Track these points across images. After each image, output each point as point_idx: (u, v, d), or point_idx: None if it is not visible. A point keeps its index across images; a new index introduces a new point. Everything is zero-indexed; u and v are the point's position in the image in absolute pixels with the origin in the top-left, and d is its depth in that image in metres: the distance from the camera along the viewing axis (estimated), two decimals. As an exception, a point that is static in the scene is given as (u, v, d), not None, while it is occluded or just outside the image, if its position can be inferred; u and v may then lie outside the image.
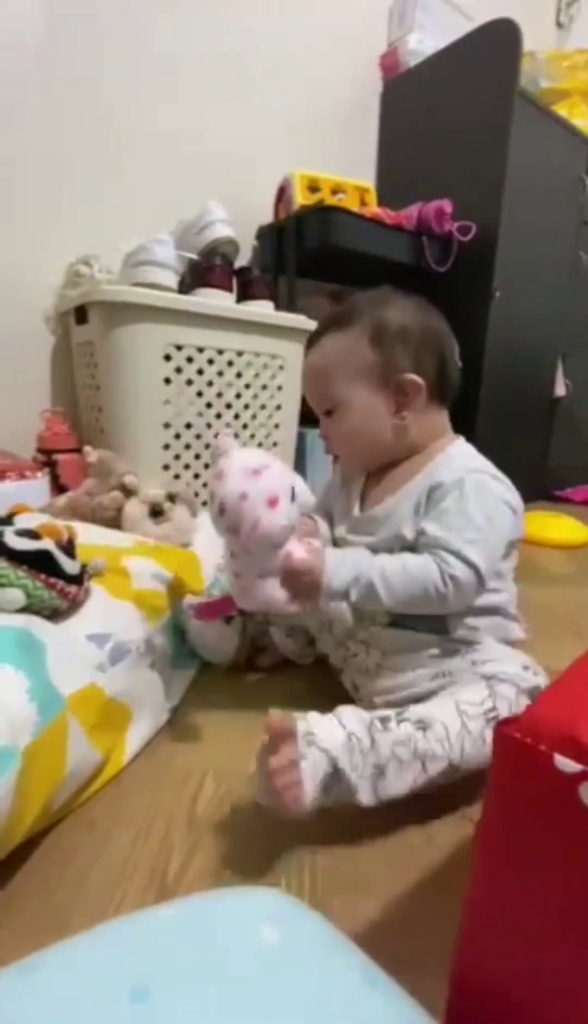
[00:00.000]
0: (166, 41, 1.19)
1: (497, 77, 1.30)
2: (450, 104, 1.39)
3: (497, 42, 1.30)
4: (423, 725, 0.44)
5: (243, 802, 0.48)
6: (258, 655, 0.70)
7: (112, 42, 1.13)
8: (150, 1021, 0.17)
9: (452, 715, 0.45)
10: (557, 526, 1.37)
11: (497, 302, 1.37)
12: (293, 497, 0.50)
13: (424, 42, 1.52)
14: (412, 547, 0.54)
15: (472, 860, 0.21)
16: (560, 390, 1.73)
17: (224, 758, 0.54)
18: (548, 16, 2.16)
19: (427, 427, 0.59)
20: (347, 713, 0.45)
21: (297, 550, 0.51)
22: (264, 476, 0.48)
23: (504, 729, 0.18)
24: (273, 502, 0.48)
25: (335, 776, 0.42)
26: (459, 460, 0.57)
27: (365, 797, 0.42)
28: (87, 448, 0.85)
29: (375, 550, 0.55)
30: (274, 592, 0.51)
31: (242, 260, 1.16)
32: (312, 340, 0.61)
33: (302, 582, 0.51)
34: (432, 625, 0.54)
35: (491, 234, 1.33)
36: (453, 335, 0.60)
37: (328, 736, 0.42)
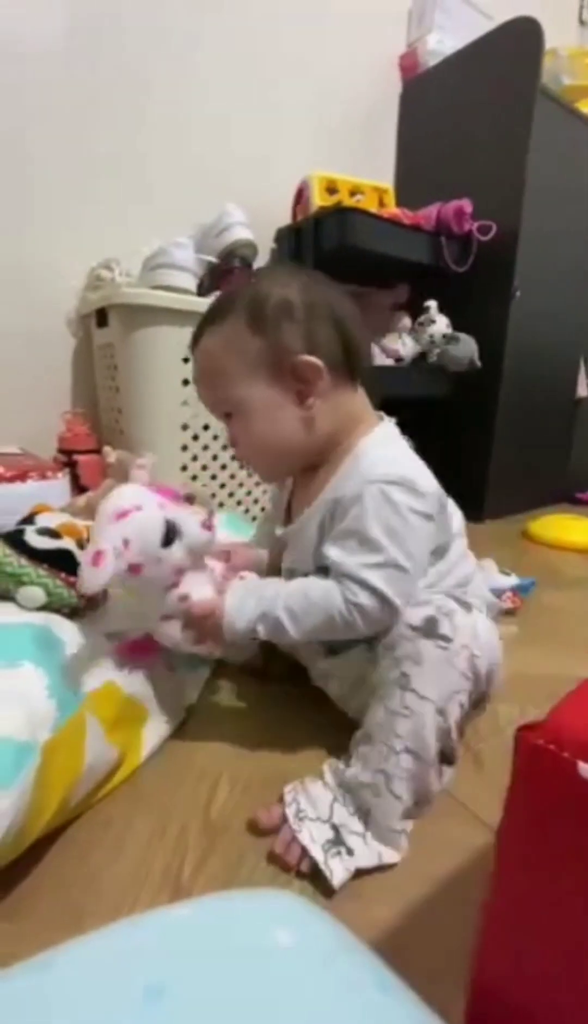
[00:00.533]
0: (185, 44, 1.20)
1: (519, 75, 1.28)
2: (470, 103, 1.38)
3: (518, 40, 1.29)
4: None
5: (257, 804, 0.48)
6: (272, 661, 0.70)
7: (133, 48, 1.14)
8: (163, 1020, 0.17)
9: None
10: (577, 529, 1.34)
11: (517, 302, 1.35)
12: (178, 536, 0.48)
13: (444, 42, 1.51)
14: (327, 568, 0.49)
15: (492, 866, 0.21)
16: (582, 391, 1.70)
17: (239, 759, 0.54)
18: (571, 13, 2.14)
19: (340, 414, 0.52)
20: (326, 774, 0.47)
21: (197, 591, 0.49)
22: (128, 519, 0.46)
23: (527, 735, 0.18)
24: (125, 544, 0.45)
25: (337, 834, 0.43)
26: (363, 465, 0.49)
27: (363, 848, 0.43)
28: (107, 448, 0.86)
29: (294, 573, 0.53)
30: (176, 633, 0.50)
31: (260, 262, 1.16)
32: (193, 342, 0.54)
33: (205, 624, 0.49)
34: (366, 645, 0.51)
35: (512, 233, 1.31)
36: (348, 301, 0.52)
37: (315, 806, 0.45)
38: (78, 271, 1.13)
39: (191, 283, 0.96)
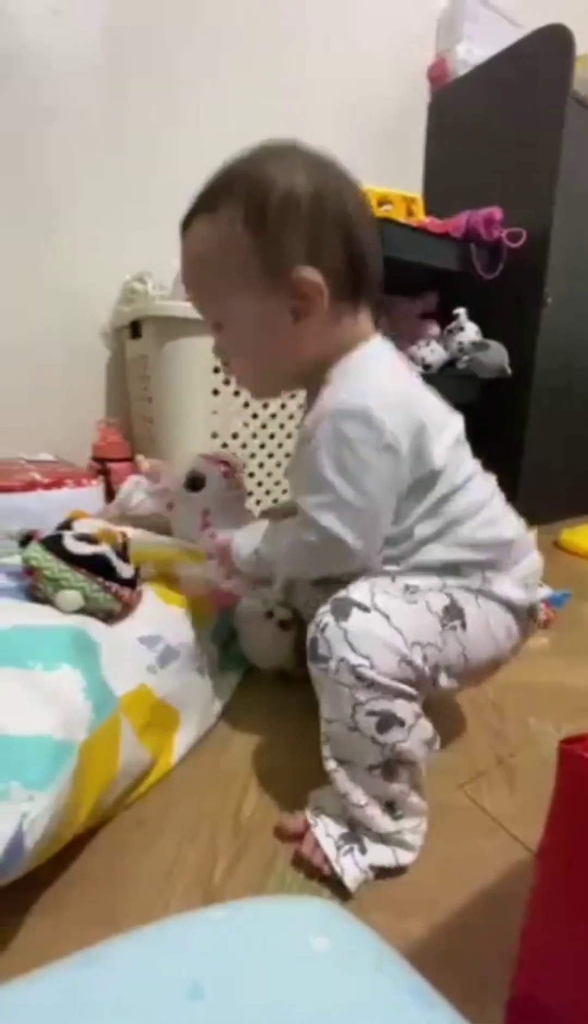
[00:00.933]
0: (213, 58, 1.23)
1: (549, 82, 1.27)
2: (500, 111, 1.37)
3: (549, 47, 1.28)
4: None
5: (286, 808, 0.49)
6: (303, 665, 0.70)
7: (163, 70, 1.18)
8: (205, 1019, 0.17)
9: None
10: (613, 540, 1.31)
11: (548, 309, 1.33)
12: (203, 484, 0.61)
13: (473, 51, 1.51)
14: None
15: (529, 882, 0.20)
16: (616, 398, 1.65)
17: (268, 764, 0.55)
18: (603, 17, 2.11)
19: (337, 336, 0.46)
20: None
21: (224, 532, 0.55)
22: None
23: (569, 748, 0.17)
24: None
25: (352, 830, 0.43)
26: (325, 397, 0.44)
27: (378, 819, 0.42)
28: (139, 457, 0.88)
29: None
30: (210, 571, 0.58)
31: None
32: (183, 228, 0.48)
33: (226, 558, 0.54)
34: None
35: (542, 240, 1.30)
36: (361, 194, 0.46)
37: (333, 803, 0.45)
38: (112, 285, 1.16)
39: (222, 295, 0.98)
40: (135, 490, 0.68)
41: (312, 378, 0.48)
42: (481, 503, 0.48)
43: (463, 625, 0.44)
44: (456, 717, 0.63)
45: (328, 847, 0.42)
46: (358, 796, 0.42)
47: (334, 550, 0.44)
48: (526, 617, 0.50)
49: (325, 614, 0.41)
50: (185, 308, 0.92)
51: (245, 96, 1.28)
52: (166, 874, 0.42)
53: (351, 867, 0.41)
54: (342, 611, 0.40)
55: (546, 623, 0.89)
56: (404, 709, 0.40)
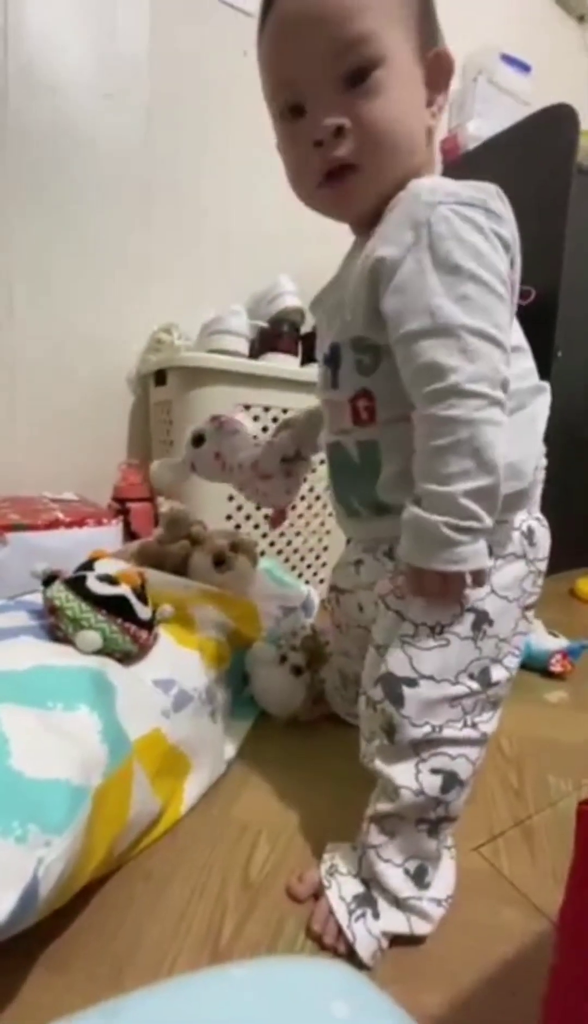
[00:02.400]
0: (243, 134, 1.33)
1: (555, 155, 1.35)
2: (509, 181, 1.43)
3: (555, 124, 1.37)
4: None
5: (297, 862, 0.47)
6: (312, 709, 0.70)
7: (197, 143, 1.28)
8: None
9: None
10: (630, 590, 1.29)
11: (560, 361, 1.37)
12: (204, 440, 0.68)
13: (483, 127, 1.62)
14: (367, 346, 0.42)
15: (550, 951, 0.20)
16: (629, 448, 1.67)
17: (279, 815, 0.54)
18: (605, 95, 2.26)
19: (434, 148, 0.44)
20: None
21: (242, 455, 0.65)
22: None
23: (587, 808, 0.18)
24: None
25: (367, 890, 0.42)
26: (417, 191, 0.38)
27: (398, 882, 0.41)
28: (160, 499, 0.90)
29: (329, 358, 0.46)
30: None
31: (308, 327, 1.24)
32: None
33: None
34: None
35: (551, 298, 1.35)
36: None
37: (347, 861, 0.44)
38: (140, 335, 1.23)
39: (244, 347, 1.03)
40: (160, 470, 0.75)
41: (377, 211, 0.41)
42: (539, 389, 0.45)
43: (490, 623, 0.41)
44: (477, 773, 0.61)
45: (341, 913, 0.40)
46: (392, 853, 0.41)
47: (487, 368, 0.35)
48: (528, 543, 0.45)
49: (382, 705, 0.40)
50: (210, 359, 0.96)
51: (269, 169, 1.38)
52: (173, 931, 0.41)
53: (364, 935, 0.39)
54: (396, 695, 0.40)
55: (563, 675, 0.87)
56: (465, 768, 0.41)
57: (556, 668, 0.86)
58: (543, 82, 1.78)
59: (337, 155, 0.40)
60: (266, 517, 1.10)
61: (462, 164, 1.64)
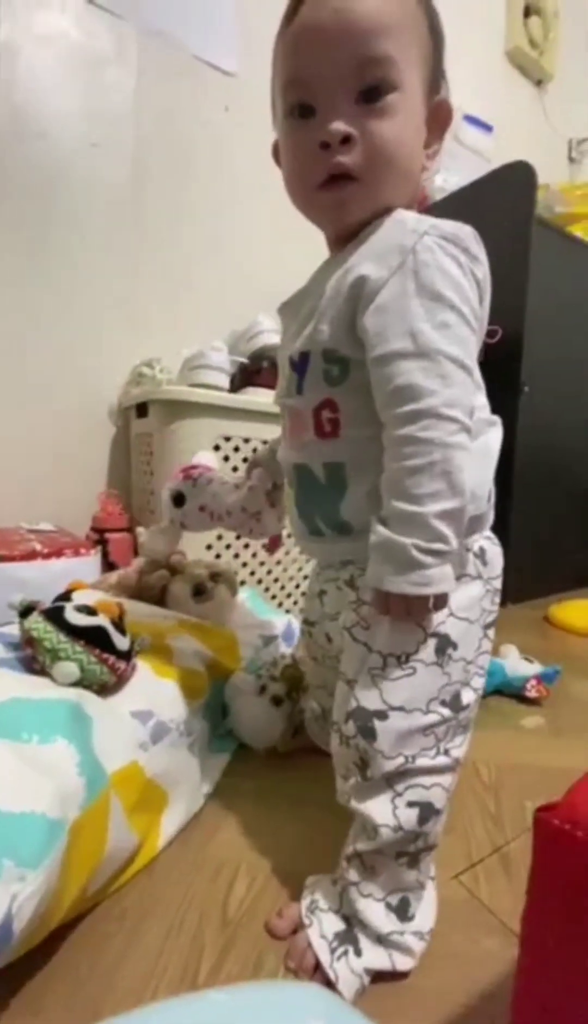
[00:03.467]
0: (223, 178, 1.40)
1: (516, 207, 1.46)
2: (475, 230, 1.56)
3: (515, 179, 1.48)
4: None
5: (276, 899, 0.47)
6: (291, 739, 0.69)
7: (180, 188, 1.34)
8: None
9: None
10: (602, 616, 1.32)
11: (526, 397, 1.44)
12: (185, 500, 0.69)
13: (449, 180, 1.74)
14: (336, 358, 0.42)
15: (518, 951, 0.21)
16: (595, 478, 1.74)
17: (258, 850, 0.53)
18: (561, 153, 2.44)
19: (418, 187, 0.45)
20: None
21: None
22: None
23: (544, 816, 0.19)
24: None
25: (349, 927, 0.42)
26: (402, 220, 0.41)
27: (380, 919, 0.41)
28: (140, 529, 0.91)
29: (288, 361, 0.46)
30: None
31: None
32: None
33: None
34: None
35: (516, 336, 1.43)
36: None
37: (327, 897, 0.44)
38: (123, 368, 1.25)
39: (224, 381, 1.06)
40: (152, 539, 0.75)
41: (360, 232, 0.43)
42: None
43: (454, 646, 0.41)
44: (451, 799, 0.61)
45: (322, 951, 0.40)
46: (373, 889, 0.41)
47: (457, 387, 0.36)
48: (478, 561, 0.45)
49: (355, 740, 0.40)
50: (191, 392, 0.99)
51: (248, 211, 1.45)
52: (150, 971, 0.40)
53: (346, 974, 0.39)
54: (368, 729, 0.40)
55: (539, 700, 0.88)
56: (440, 796, 0.41)
57: (531, 693, 0.88)
58: (504, 141, 1.92)
59: (341, 161, 0.40)
60: (246, 546, 1.11)
61: (430, 214, 1.74)
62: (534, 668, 0.91)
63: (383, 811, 0.40)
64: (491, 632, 0.45)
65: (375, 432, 0.40)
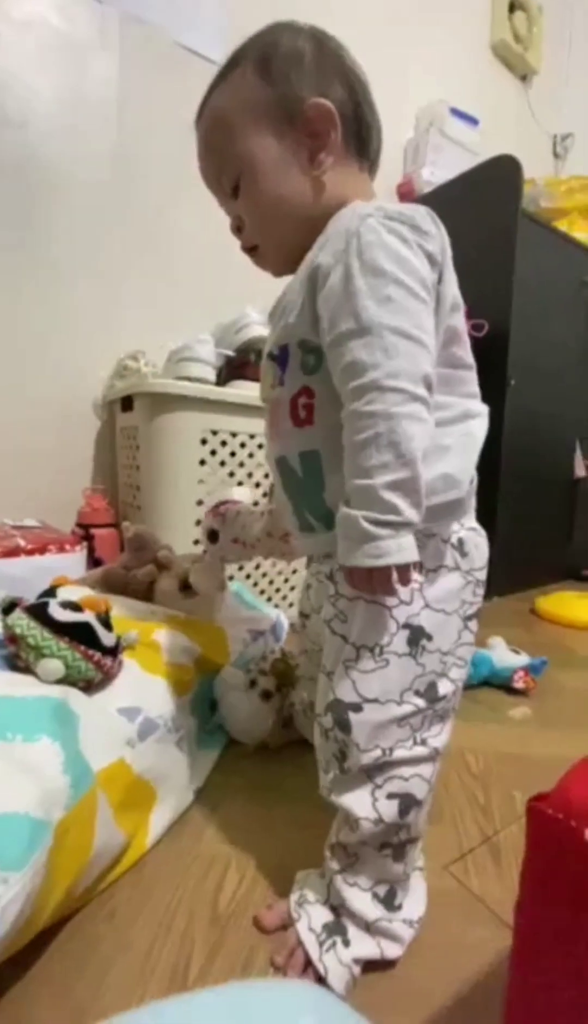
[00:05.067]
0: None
1: (503, 201, 1.46)
2: (461, 223, 1.54)
3: (501, 173, 1.48)
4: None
5: (267, 895, 0.46)
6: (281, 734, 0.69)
7: (161, 176, 1.32)
8: None
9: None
10: (587, 607, 1.34)
11: (512, 390, 1.45)
12: (220, 535, 0.72)
13: (435, 174, 1.73)
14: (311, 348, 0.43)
15: (512, 939, 0.21)
16: (580, 471, 1.76)
17: (248, 845, 0.53)
18: (546, 148, 2.45)
19: (348, 187, 0.46)
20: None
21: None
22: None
23: (536, 804, 0.19)
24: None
25: (337, 917, 0.42)
26: (350, 210, 0.42)
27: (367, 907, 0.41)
28: (126, 523, 0.89)
29: (271, 357, 0.47)
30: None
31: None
32: (199, 111, 0.49)
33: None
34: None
35: (503, 331, 1.43)
36: (360, 68, 0.48)
37: (315, 890, 0.44)
38: (107, 362, 1.23)
39: (211, 374, 1.05)
40: (199, 579, 0.80)
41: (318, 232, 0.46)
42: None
43: (428, 637, 0.41)
44: (440, 790, 0.62)
45: (311, 945, 0.40)
46: (358, 878, 0.41)
47: (403, 354, 0.36)
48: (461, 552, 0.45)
49: (333, 732, 0.41)
50: (177, 385, 0.98)
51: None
52: (139, 971, 0.39)
53: (335, 965, 0.39)
54: (343, 721, 0.40)
55: (526, 691, 0.89)
56: (420, 787, 0.41)
57: (519, 685, 0.89)
58: (490, 135, 1.92)
59: (243, 242, 0.52)
60: (234, 542, 1.10)
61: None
62: (521, 660, 0.92)
63: (363, 804, 0.40)
64: (472, 624, 0.45)
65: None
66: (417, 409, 0.36)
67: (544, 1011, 0.18)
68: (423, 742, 0.41)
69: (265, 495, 1.09)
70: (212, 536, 0.73)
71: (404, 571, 0.37)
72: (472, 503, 0.47)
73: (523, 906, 0.20)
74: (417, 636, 0.41)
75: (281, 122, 0.44)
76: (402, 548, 0.36)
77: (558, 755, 0.72)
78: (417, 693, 0.41)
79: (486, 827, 0.57)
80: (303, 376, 0.45)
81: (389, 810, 0.39)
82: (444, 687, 0.42)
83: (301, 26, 0.46)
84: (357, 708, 0.40)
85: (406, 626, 0.40)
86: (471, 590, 0.44)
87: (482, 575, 0.46)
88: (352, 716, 0.39)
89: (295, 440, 0.46)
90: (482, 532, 0.47)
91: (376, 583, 0.37)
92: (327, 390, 0.42)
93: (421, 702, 0.41)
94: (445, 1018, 0.37)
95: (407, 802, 0.40)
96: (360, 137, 0.47)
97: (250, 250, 0.52)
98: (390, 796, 0.40)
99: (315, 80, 0.44)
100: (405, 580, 0.37)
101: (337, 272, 0.39)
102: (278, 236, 0.49)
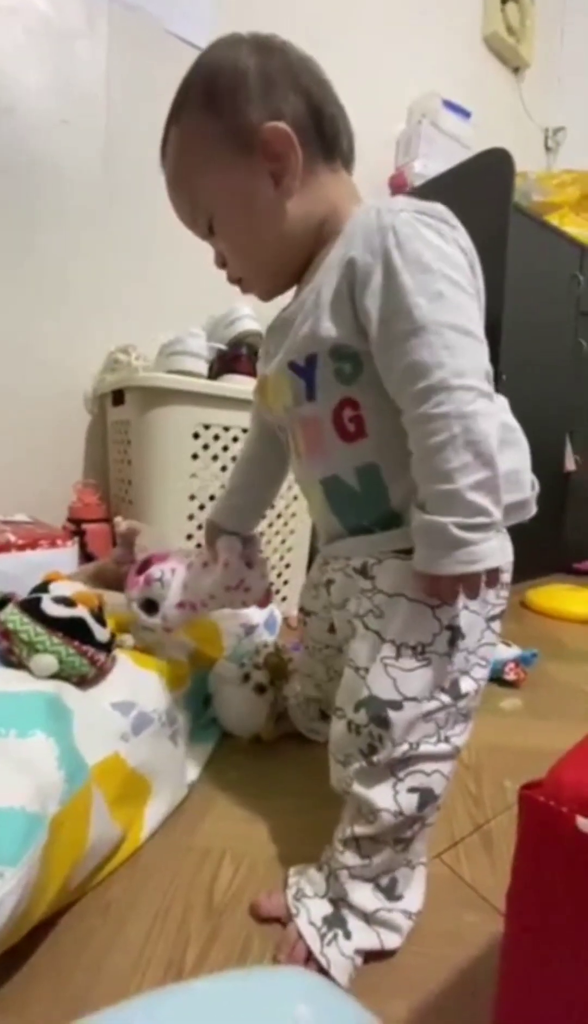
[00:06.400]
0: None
1: (494, 194, 1.46)
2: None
3: (493, 166, 1.47)
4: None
5: (262, 885, 0.47)
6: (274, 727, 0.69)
7: (154, 167, 1.31)
8: None
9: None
10: (576, 600, 1.36)
11: (504, 384, 1.45)
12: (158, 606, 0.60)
13: (428, 166, 1.72)
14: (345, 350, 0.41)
15: (504, 926, 0.21)
16: (570, 465, 1.77)
17: (243, 837, 0.53)
18: (538, 142, 2.45)
19: (324, 196, 0.45)
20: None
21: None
22: None
23: (528, 792, 0.19)
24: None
25: (336, 910, 0.42)
26: (377, 208, 0.40)
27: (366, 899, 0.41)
28: (118, 518, 0.89)
29: (281, 370, 0.46)
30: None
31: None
32: (162, 151, 0.49)
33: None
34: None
35: (495, 325, 1.43)
36: (312, 62, 0.45)
37: (313, 884, 0.44)
38: (97, 355, 1.22)
39: (202, 368, 1.04)
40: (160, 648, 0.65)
41: (313, 259, 0.46)
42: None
43: (462, 637, 0.42)
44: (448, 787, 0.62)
45: (312, 939, 0.40)
46: (366, 872, 0.41)
47: (471, 406, 0.35)
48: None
49: (367, 728, 0.40)
50: (168, 379, 0.97)
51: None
52: (135, 963, 0.39)
53: (337, 957, 0.39)
54: (382, 718, 0.39)
55: (517, 683, 0.90)
56: (440, 783, 0.41)
57: (510, 676, 0.90)
58: (482, 127, 1.91)
59: (229, 276, 0.51)
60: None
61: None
62: (512, 652, 0.93)
63: (385, 796, 0.40)
64: (495, 624, 0.45)
65: (400, 424, 0.39)
66: (486, 405, 0.36)
67: (536, 994, 0.19)
68: (447, 739, 0.41)
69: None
70: (149, 607, 0.60)
71: (493, 574, 0.37)
72: (532, 506, 0.47)
73: (515, 892, 0.20)
74: (456, 637, 0.41)
75: (238, 154, 0.43)
76: (494, 551, 0.36)
77: (548, 746, 0.72)
78: (443, 690, 0.41)
79: (478, 816, 0.57)
80: (341, 386, 0.43)
81: (409, 803, 0.40)
82: (466, 685, 0.42)
83: (241, 39, 0.43)
84: (397, 706, 0.39)
85: (449, 627, 0.41)
86: (495, 592, 0.44)
87: (507, 577, 0.46)
88: (392, 714, 0.39)
89: (347, 456, 0.44)
90: (507, 534, 0.46)
91: (468, 588, 0.37)
92: (373, 398, 0.41)
93: (446, 698, 0.41)
94: (438, 1002, 0.38)
95: (426, 797, 0.40)
96: (328, 141, 0.45)
97: (236, 281, 0.51)
98: (411, 790, 0.40)
99: (264, 101, 0.42)
100: (493, 583, 0.37)
101: (377, 268, 0.37)
102: (261, 266, 0.49)
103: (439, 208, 0.40)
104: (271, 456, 0.60)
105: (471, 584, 0.36)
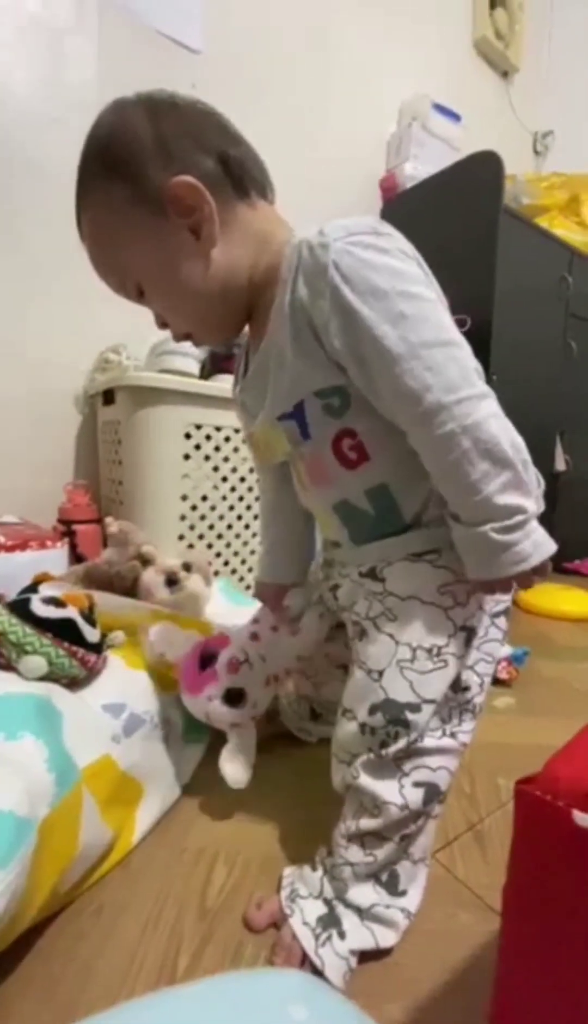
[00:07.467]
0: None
1: (484, 197, 1.47)
2: (444, 218, 1.56)
3: (483, 169, 1.48)
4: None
5: (255, 887, 0.46)
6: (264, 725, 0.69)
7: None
8: None
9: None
10: (567, 598, 1.37)
11: (494, 385, 1.45)
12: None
13: (418, 168, 1.73)
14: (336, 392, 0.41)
15: (501, 922, 0.21)
16: (560, 465, 1.79)
17: (235, 840, 0.52)
18: (526, 145, 2.47)
19: (252, 235, 0.43)
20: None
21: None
22: None
23: (524, 787, 0.19)
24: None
25: (331, 910, 0.42)
26: (308, 244, 0.38)
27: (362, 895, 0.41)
28: (108, 519, 0.88)
29: (270, 425, 0.45)
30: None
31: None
32: (77, 223, 0.48)
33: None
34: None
35: (485, 327, 1.44)
36: (203, 106, 0.44)
37: (307, 884, 0.44)
38: (88, 355, 1.21)
39: (194, 367, 1.04)
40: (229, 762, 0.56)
41: (254, 294, 0.45)
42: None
43: (475, 636, 0.43)
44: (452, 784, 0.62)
45: (306, 939, 0.40)
46: (369, 868, 0.41)
47: (486, 418, 0.36)
48: None
49: (385, 729, 0.40)
50: (159, 378, 0.96)
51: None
52: (127, 966, 0.39)
53: (332, 958, 0.39)
54: (402, 721, 0.39)
55: (509, 681, 0.90)
56: (445, 779, 0.41)
57: (502, 675, 0.90)
58: (472, 130, 1.93)
59: (173, 335, 0.49)
60: (220, 537, 1.10)
61: (399, 202, 1.75)
62: (504, 650, 0.93)
63: (390, 790, 0.40)
64: (500, 621, 0.46)
65: (404, 444, 0.39)
66: (487, 406, 0.36)
67: (533, 991, 0.19)
68: (452, 735, 0.42)
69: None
70: (234, 698, 0.54)
71: (543, 564, 0.37)
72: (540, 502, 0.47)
73: (511, 888, 0.20)
74: (471, 637, 0.42)
75: (151, 217, 0.41)
76: (538, 545, 0.36)
77: (541, 743, 0.73)
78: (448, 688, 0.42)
79: (471, 814, 0.57)
80: (334, 420, 0.43)
81: (415, 797, 0.40)
82: (468, 678, 0.43)
83: (128, 102, 0.42)
84: (416, 708, 0.40)
85: (464, 628, 0.41)
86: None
87: None
88: (411, 716, 0.40)
89: (354, 481, 0.45)
90: None
91: (521, 583, 0.38)
92: (368, 423, 0.42)
93: (449, 691, 0.42)
94: (434, 1002, 0.38)
95: (431, 792, 0.41)
96: (237, 181, 0.43)
97: (185, 337, 0.49)
98: (416, 784, 0.40)
99: (164, 158, 0.40)
100: (543, 572, 0.38)
101: (333, 310, 0.37)
102: (203, 320, 0.47)
103: (366, 221, 0.39)
104: (295, 500, 0.56)
105: (524, 580, 0.37)
